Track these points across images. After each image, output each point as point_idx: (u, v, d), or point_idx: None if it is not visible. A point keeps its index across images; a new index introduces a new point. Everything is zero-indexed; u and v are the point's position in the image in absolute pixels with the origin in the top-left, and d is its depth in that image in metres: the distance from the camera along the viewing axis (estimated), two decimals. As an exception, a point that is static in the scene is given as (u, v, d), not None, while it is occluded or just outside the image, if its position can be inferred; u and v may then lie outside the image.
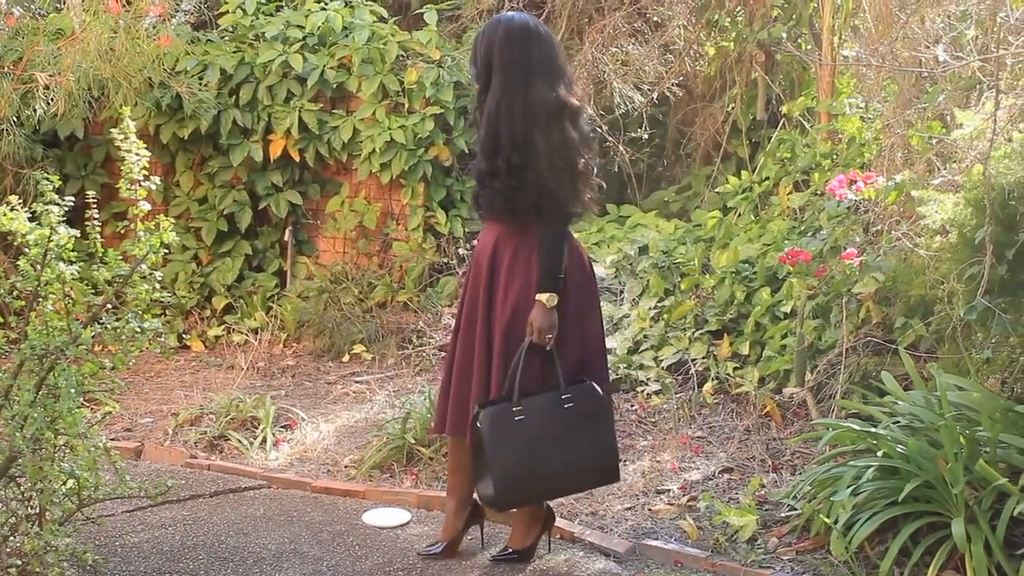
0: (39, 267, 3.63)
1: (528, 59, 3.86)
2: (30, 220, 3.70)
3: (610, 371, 4.80)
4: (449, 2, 8.04)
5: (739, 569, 4.02)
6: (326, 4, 7.69)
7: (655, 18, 8.00)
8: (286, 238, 7.74)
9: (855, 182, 5.08)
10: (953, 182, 4.75)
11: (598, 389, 3.92)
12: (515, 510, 4.13)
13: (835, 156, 6.30)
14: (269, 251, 7.87)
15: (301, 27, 7.59)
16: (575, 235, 4.06)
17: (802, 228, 5.83)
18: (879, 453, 4.06)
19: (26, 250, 3.67)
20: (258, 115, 7.53)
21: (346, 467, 5.21)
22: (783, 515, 4.36)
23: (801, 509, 4.27)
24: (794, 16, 7.46)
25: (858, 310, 5.04)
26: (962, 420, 4.00)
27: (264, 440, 5.51)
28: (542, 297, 3.82)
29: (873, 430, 4.16)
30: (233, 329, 7.39)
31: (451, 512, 4.20)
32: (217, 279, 7.65)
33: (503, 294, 3.94)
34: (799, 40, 7.59)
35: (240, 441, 5.50)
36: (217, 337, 7.42)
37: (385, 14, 7.79)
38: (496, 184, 3.89)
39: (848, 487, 3.96)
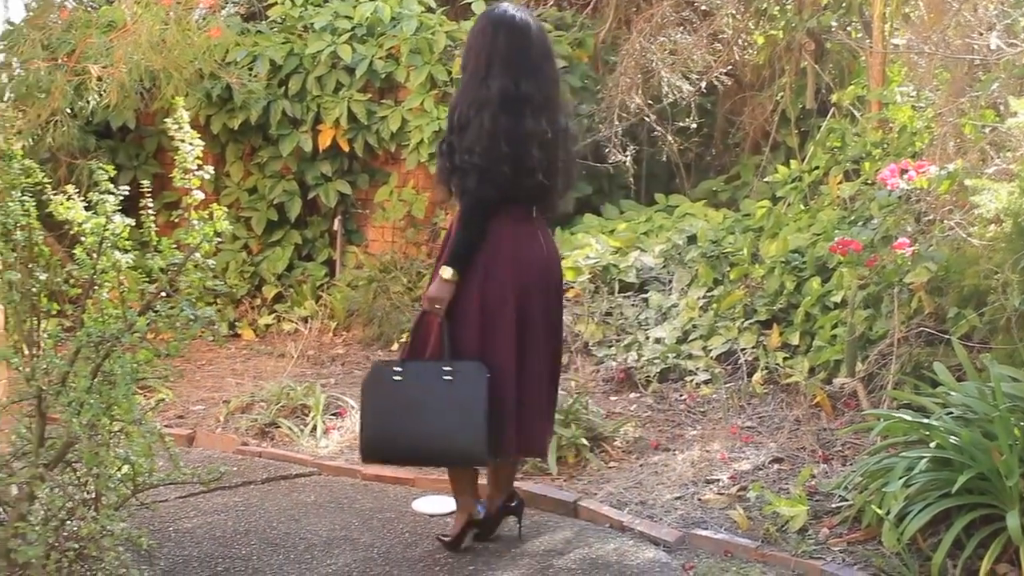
0: (95, 255, 3.65)
1: (494, 47, 3.95)
2: (86, 209, 3.72)
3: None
4: (496, -8, 8.06)
5: (790, 559, 4.01)
6: (375, -6, 7.74)
7: (703, 7, 7.97)
8: (335, 227, 7.80)
9: (907, 171, 5.03)
10: (1007, 171, 4.71)
11: (484, 370, 3.90)
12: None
13: (886, 145, 6.25)
14: (318, 240, 7.94)
15: (349, 18, 7.65)
16: (539, 231, 4.10)
17: (852, 218, 5.79)
18: (932, 444, 4.03)
19: (82, 239, 3.69)
20: (307, 105, 7.59)
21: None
22: (834, 506, 4.34)
23: (852, 500, 4.25)
24: (844, 4, 7.40)
25: (910, 300, 5.00)
26: (1016, 411, 3.96)
27: (314, 428, 5.56)
28: (442, 268, 3.95)
29: (926, 421, 4.13)
30: (283, 318, 7.48)
31: (458, 501, 4.27)
32: (267, 268, 7.74)
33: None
34: (849, 28, 7.53)
35: (291, 428, 5.56)
36: (267, 325, 7.52)
37: (433, 4, 7.83)
38: (439, 163, 4.07)
39: (900, 478, 3.93)
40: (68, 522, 3.50)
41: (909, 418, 4.21)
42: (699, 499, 4.58)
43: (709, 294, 6.19)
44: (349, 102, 7.45)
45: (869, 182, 5.96)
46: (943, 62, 5.63)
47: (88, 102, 6.51)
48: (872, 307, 5.19)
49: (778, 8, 7.75)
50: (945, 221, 4.96)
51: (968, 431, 3.90)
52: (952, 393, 4.30)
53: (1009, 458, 3.71)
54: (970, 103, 5.24)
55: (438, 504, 4.65)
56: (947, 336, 4.74)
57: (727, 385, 5.61)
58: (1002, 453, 3.74)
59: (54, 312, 3.82)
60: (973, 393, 4.19)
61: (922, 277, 4.84)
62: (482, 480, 4.30)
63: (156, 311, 3.60)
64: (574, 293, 6.47)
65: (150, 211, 3.81)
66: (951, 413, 4.18)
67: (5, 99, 6.45)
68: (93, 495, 3.60)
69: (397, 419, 3.96)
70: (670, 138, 7.86)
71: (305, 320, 7.33)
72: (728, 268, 6.23)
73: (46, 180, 3.80)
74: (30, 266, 3.73)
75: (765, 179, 7.53)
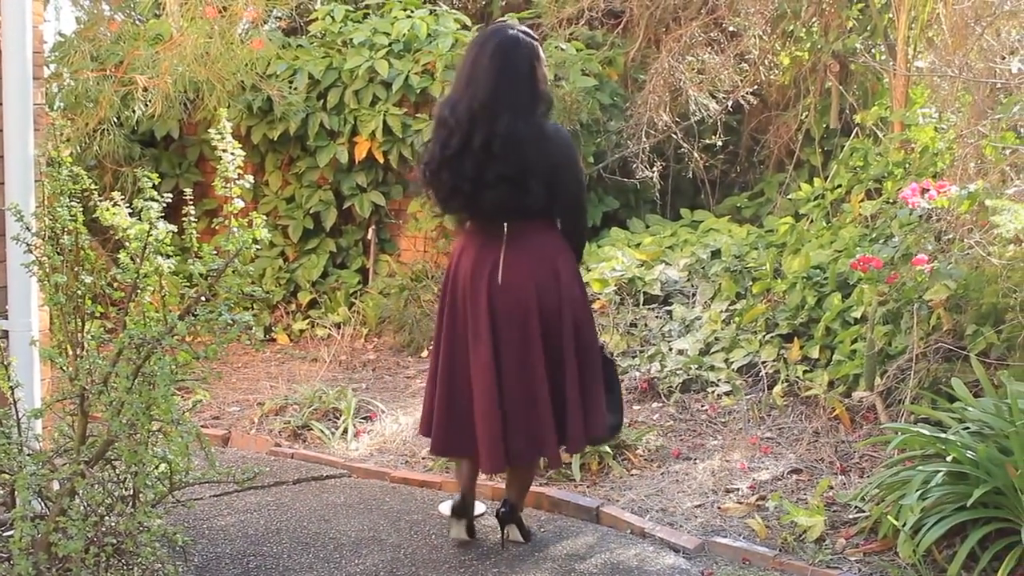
0: (138, 260, 3.70)
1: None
2: (130, 216, 3.80)
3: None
4: (531, 11, 8.17)
5: (806, 568, 4.05)
6: (411, 12, 7.86)
7: (731, 28, 8.05)
8: (369, 237, 7.91)
9: (928, 191, 5.08)
10: (1027, 192, 4.76)
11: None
12: None
13: (908, 165, 6.29)
14: (353, 249, 8.05)
15: (387, 34, 7.75)
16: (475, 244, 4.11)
17: (874, 235, 5.81)
18: (948, 458, 4.05)
19: (126, 244, 3.75)
20: (344, 118, 7.70)
21: (423, 459, 5.32)
22: (851, 517, 4.39)
23: (869, 511, 4.29)
24: (869, 27, 7.47)
25: (929, 317, 5.01)
26: (1032, 427, 4.00)
27: (345, 431, 5.65)
28: None
29: (943, 435, 4.15)
30: (317, 323, 7.58)
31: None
32: (303, 275, 7.86)
33: None
34: (873, 51, 7.59)
35: (322, 431, 5.64)
36: (302, 331, 7.62)
37: (468, 22, 7.94)
38: None
39: (917, 491, 3.96)
40: (107, 518, 3.55)
41: (926, 432, 4.24)
42: (719, 507, 4.64)
43: (732, 307, 6.23)
44: (385, 115, 7.54)
45: (891, 201, 5.98)
46: (965, 85, 5.67)
47: (134, 112, 6.65)
48: (891, 323, 5.21)
49: (804, 30, 7.82)
50: (965, 240, 4.97)
51: (984, 446, 3.93)
52: (969, 408, 4.32)
53: (1024, 473, 3.74)
54: (991, 125, 5.28)
55: (464, 507, 4.73)
56: (965, 352, 4.77)
57: (748, 397, 5.66)
58: (1017, 468, 3.78)
59: (98, 314, 3.91)
60: (990, 409, 4.21)
61: (941, 294, 4.85)
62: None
63: (196, 315, 3.64)
64: (600, 304, 6.53)
65: (192, 218, 3.87)
66: (968, 428, 4.20)
67: (55, 108, 6.59)
68: (131, 492, 3.66)
69: None
70: (696, 155, 7.94)
71: (338, 326, 7.43)
72: (751, 282, 6.27)
73: (93, 187, 3.88)
74: (76, 269, 3.81)
75: (788, 196, 7.58)
